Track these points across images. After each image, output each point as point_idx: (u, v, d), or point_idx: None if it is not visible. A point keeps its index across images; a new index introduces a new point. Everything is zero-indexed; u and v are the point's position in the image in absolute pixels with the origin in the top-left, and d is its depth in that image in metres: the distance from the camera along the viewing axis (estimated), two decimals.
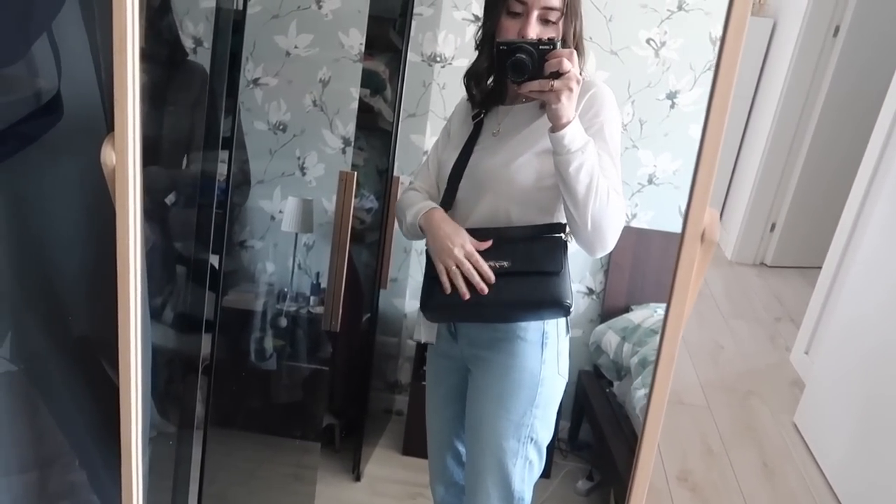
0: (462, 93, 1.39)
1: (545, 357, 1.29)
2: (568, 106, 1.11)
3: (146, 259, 1.69)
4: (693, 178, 0.49)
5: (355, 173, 1.47)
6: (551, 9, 1.19)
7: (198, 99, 1.67)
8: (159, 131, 1.56)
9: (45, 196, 0.81)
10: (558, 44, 1.14)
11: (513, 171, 1.24)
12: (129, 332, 0.59)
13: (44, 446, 1.11)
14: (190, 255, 1.80)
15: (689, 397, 2.75)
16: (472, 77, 1.32)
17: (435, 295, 1.23)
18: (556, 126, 1.12)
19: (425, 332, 1.41)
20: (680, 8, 2.65)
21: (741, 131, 4.74)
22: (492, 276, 1.19)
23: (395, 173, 2.18)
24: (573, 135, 1.12)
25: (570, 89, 1.10)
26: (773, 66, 4.44)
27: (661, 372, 0.54)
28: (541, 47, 1.13)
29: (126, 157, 0.57)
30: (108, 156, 0.57)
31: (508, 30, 1.20)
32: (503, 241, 1.24)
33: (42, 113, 0.76)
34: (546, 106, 1.13)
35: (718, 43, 0.49)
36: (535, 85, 1.12)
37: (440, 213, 1.27)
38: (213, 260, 2.46)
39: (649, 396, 0.59)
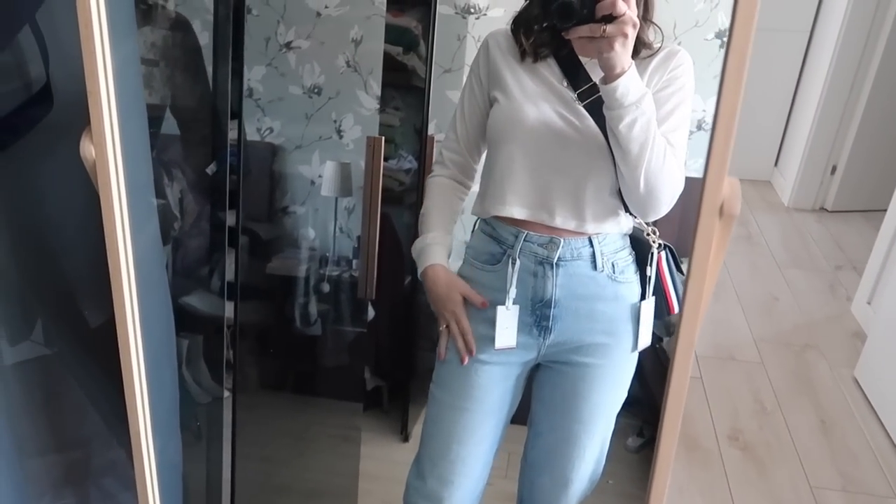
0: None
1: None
2: (623, 54, 1.00)
3: (178, 235, 1.71)
4: (710, 141, 0.43)
5: (382, 138, 1.42)
6: None
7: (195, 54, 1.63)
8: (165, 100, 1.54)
9: (44, 186, 0.81)
10: None
11: None
12: (128, 329, 0.58)
13: (84, 425, 1.13)
14: (227, 223, 1.80)
15: (741, 353, 2.65)
16: (521, 25, 1.17)
17: None
18: (609, 77, 1.02)
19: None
20: None
21: (799, 66, 4.49)
22: (473, 349, 1.20)
23: (431, 132, 2.13)
24: (626, 86, 1.01)
25: (626, 35, 0.98)
26: None
27: (679, 359, 0.49)
28: None
29: (105, 151, 0.54)
30: (87, 150, 0.55)
31: None
32: None
33: (32, 103, 0.75)
34: (598, 55, 1.02)
35: None
36: (584, 30, 1.00)
37: (434, 272, 1.22)
38: (256, 227, 2.48)
39: (665, 400, 0.54)
